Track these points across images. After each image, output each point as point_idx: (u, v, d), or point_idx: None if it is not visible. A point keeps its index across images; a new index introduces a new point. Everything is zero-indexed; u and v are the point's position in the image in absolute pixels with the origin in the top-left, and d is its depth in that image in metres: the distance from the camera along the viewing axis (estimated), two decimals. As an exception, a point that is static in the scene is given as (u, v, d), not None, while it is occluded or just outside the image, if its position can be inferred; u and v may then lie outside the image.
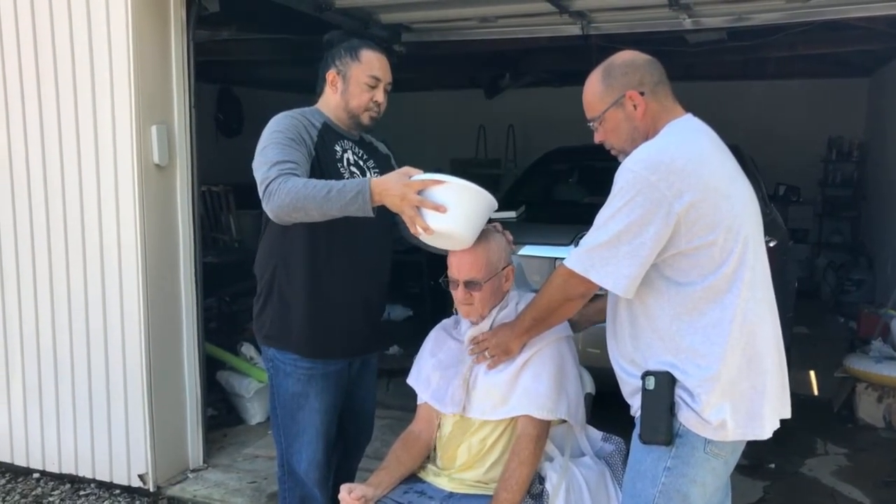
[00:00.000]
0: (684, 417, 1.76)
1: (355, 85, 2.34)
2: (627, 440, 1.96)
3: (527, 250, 3.80)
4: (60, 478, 3.73)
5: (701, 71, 6.70)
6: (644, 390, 1.79)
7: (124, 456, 3.55)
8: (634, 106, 1.85)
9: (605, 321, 1.99)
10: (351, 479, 2.54)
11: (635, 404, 1.86)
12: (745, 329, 1.76)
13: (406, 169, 2.05)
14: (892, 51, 5.85)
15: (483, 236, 2.12)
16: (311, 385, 2.39)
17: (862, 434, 4.28)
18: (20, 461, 3.82)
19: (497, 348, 2.10)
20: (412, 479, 2.23)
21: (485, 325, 2.17)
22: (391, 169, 2.35)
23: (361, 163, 2.42)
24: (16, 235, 3.64)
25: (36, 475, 3.78)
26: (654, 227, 1.70)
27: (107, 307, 3.48)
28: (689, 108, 1.92)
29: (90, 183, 3.42)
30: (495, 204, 2.07)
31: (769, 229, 2.50)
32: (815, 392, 4.94)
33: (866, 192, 7.92)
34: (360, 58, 2.34)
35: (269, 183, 2.09)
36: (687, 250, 1.73)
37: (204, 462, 3.77)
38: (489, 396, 2.12)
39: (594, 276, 1.78)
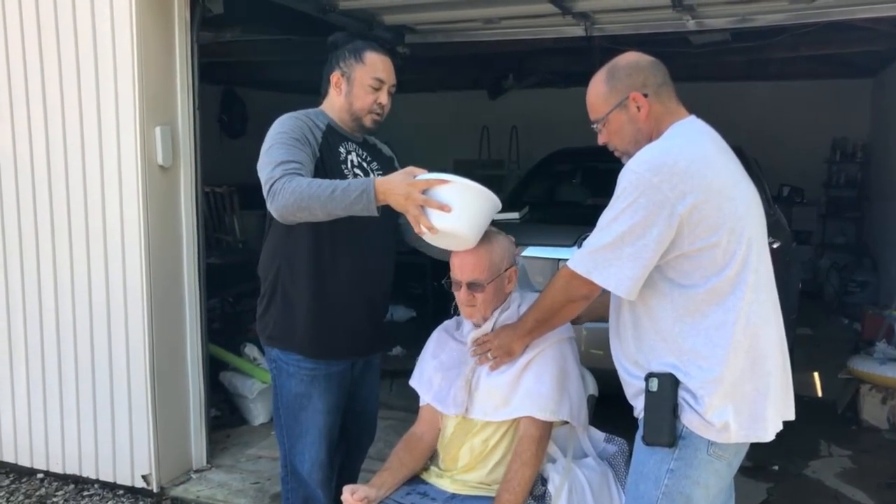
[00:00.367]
0: (687, 419, 1.76)
1: (359, 87, 2.34)
2: (630, 441, 1.96)
3: (530, 251, 3.79)
4: (64, 478, 3.73)
5: (704, 72, 6.67)
6: (647, 392, 1.79)
7: (128, 456, 3.56)
8: (638, 108, 1.85)
9: (608, 317, 1.99)
10: (354, 480, 2.54)
11: (638, 406, 1.86)
12: (748, 331, 1.75)
13: (410, 168, 2.06)
14: (896, 52, 5.84)
15: (486, 238, 2.12)
16: (315, 386, 2.39)
17: (866, 436, 4.27)
18: (24, 461, 3.83)
19: (500, 350, 2.10)
20: (415, 480, 2.23)
21: (487, 327, 2.17)
22: (394, 171, 2.35)
23: (365, 164, 2.42)
24: (20, 236, 3.66)
25: (40, 475, 3.79)
26: (657, 228, 1.70)
27: (111, 308, 3.49)
28: (692, 109, 1.92)
29: (94, 184, 3.43)
30: (499, 204, 2.07)
31: (773, 231, 2.49)
32: (819, 394, 4.94)
33: (870, 193, 7.90)
34: (364, 60, 2.34)
35: (274, 182, 2.09)
36: (690, 252, 1.73)
37: (207, 463, 3.77)
38: (491, 398, 2.12)
39: (597, 278, 1.78)
